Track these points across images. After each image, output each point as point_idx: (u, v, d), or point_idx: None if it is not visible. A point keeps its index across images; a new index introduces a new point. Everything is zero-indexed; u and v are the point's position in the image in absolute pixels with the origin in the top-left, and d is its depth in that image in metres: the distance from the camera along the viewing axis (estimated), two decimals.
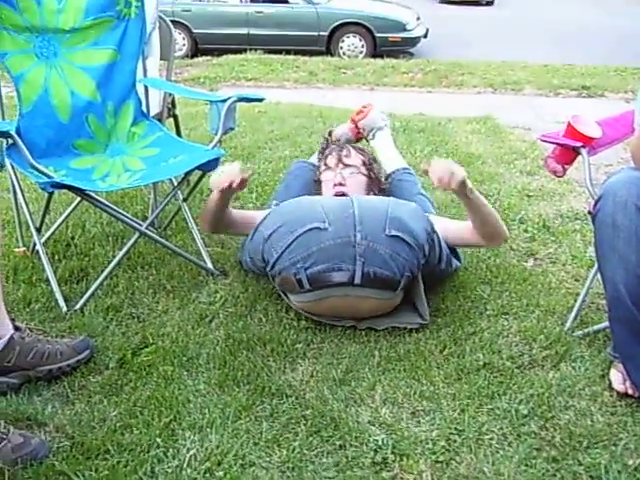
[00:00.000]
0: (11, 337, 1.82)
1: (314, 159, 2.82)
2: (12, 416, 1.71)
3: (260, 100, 2.65)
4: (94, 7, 2.53)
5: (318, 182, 2.57)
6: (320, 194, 2.52)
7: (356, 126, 2.92)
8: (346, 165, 2.48)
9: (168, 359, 1.97)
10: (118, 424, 1.70)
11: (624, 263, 1.71)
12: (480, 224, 2.23)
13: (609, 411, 1.79)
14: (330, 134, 2.90)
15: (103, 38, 2.58)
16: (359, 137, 2.96)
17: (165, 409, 1.75)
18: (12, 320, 1.87)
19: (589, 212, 1.96)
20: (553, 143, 2.19)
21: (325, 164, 2.53)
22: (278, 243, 2.11)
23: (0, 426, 1.58)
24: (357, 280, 2.05)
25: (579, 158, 2.15)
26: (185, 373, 1.92)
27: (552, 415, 1.76)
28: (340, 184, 2.41)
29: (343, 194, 2.37)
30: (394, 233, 2.07)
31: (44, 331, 2.04)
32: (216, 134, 2.41)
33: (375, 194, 2.48)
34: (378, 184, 2.54)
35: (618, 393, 1.84)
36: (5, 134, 2.15)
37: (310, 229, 2.08)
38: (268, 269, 2.18)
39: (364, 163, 2.52)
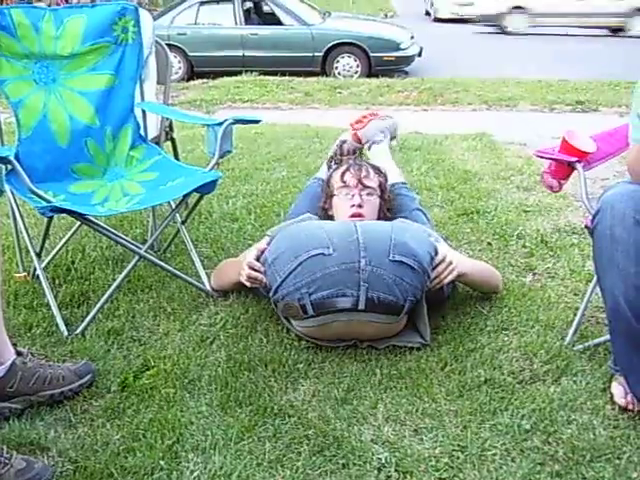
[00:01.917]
0: (13, 362, 1.82)
1: (321, 173, 2.83)
2: (15, 441, 1.71)
3: (256, 122, 2.68)
4: (92, 33, 2.56)
5: (328, 196, 2.54)
6: (327, 209, 2.53)
7: (355, 133, 2.93)
8: (365, 187, 2.47)
9: (170, 381, 1.97)
10: (121, 447, 1.70)
11: (623, 275, 1.71)
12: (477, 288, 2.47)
13: (611, 424, 1.79)
14: (342, 144, 2.88)
15: (101, 63, 2.60)
16: (360, 141, 2.94)
17: (168, 431, 1.75)
18: (14, 345, 1.87)
19: (586, 226, 1.98)
20: (548, 159, 2.21)
21: (343, 181, 2.49)
22: (282, 268, 2.10)
23: (3, 451, 1.57)
24: (361, 305, 2.05)
25: (575, 173, 2.17)
26: (187, 395, 1.92)
27: (554, 430, 1.76)
28: (359, 205, 2.42)
29: (360, 215, 2.39)
30: (398, 258, 2.07)
31: (46, 356, 2.04)
32: (213, 157, 2.42)
33: (385, 214, 2.50)
34: (389, 206, 2.56)
35: (620, 406, 1.84)
36: (4, 160, 2.15)
37: (314, 255, 2.07)
38: (271, 294, 2.17)
39: (380, 185, 2.53)
